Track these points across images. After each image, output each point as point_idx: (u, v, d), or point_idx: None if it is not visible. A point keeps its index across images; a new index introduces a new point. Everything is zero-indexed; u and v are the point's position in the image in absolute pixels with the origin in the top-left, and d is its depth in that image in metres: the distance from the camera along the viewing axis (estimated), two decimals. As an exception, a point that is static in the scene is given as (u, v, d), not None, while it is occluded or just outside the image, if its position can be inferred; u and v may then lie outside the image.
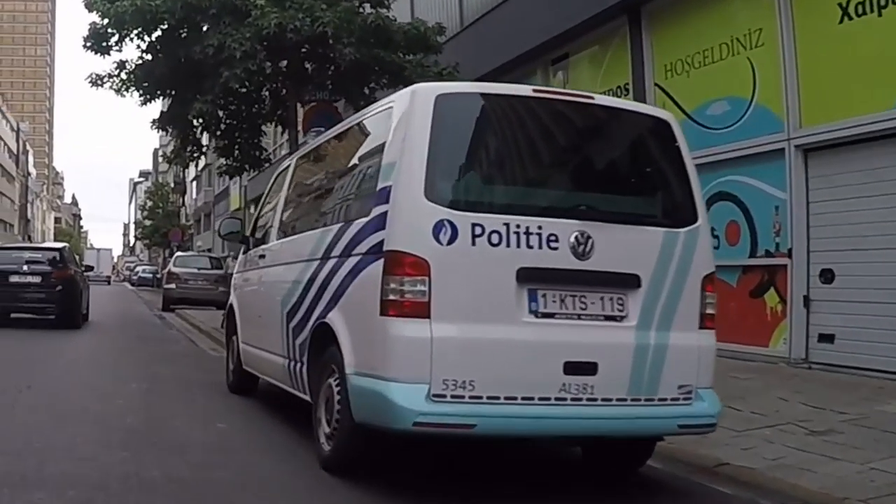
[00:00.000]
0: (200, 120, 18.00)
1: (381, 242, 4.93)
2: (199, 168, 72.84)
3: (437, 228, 4.78)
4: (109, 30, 16.46)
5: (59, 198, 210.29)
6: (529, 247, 4.89)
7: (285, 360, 6.65)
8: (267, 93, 18.12)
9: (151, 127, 18.61)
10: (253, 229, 8.76)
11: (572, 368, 4.84)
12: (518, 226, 4.89)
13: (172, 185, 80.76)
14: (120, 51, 17.26)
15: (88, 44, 16.64)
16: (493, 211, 4.93)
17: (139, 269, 72.88)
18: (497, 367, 4.76)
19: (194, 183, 78.07)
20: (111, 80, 17.43)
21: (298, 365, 6.24)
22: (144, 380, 9.84)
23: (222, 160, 19.07)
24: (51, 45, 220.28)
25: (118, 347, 14.38)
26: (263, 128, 19.04)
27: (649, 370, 5.02)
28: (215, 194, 66.29)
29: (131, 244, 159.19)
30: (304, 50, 16.74)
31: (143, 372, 10.63)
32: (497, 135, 5.39)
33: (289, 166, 8.02)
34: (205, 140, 20.52)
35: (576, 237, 4.96)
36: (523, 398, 4.77)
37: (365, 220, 5.23)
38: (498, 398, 4.73)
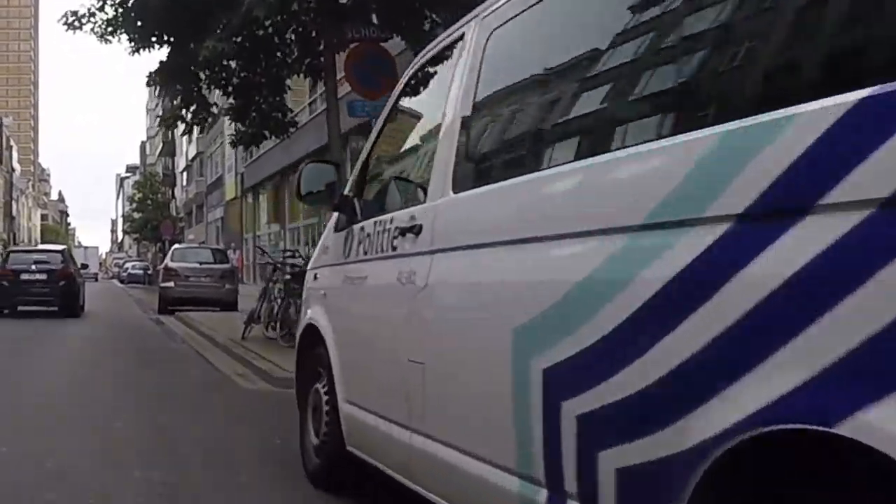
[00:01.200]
0: (208, 72, 13.95)
1: None
2: (191, 158, 69.41)
3: None
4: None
5: (45, 195, 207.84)
6: None
7: (537, 489, 2.62)
8: (293, 36, 14.03)
9: (148, 83, 14.40)
10: (360, 182, 4.75)
11: None
12: None
13: (161, 176, 76.96)
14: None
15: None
16: None
17: (128, 265, 68.97)
18: None
19: (185, 173, 74.36)
20: (92, 19, 13.40)
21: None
22: (159, 456, 5.76)
23: (233, 130, 14.97)
24: (35, 40, 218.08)
25: (112, 374, 10.42)
26: (288, 82, 14.90)
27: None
28: (207, 184, 62.53)
29: (119, 240, 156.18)
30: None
31: (154, 433, 6.57)
32: None
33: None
34: (214, 99, 16.29)
35: None
36: None
37: None
38: None
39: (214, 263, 24.05)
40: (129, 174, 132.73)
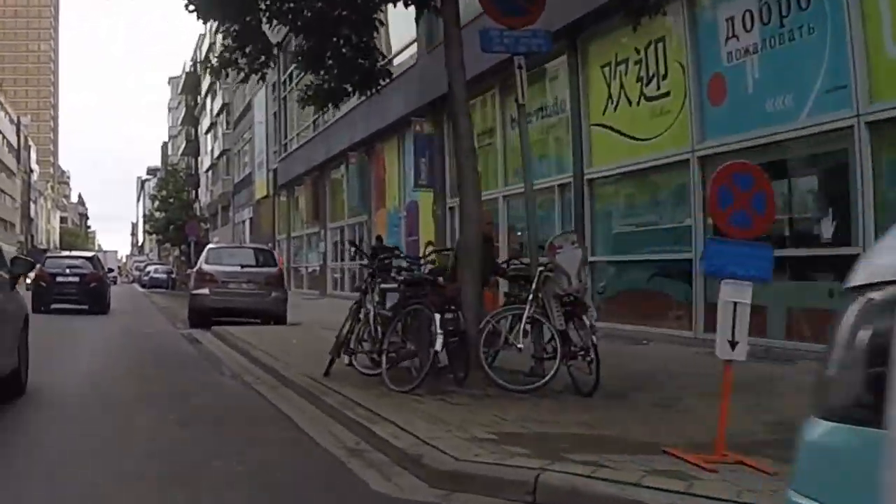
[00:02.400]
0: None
1: None
2: (216, 156, 65.75)
3: None
4: None
5: (65, 197, 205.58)
6: None
7: None
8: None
9: (187, 5, 10.08)
10: None
11: None
12: None
13: (184, 177, 73.23)
14: None
15: None
16: None
17: (150, 268, 64.95)
18: None
19: (209, 173, 70.65)
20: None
21: None
22: None
23: (303, 84, 10.73)
24: (54, 41, 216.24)
25: (135, 450, 6.24)
26: (380, 13, 10.70)
27: None
28: (235, 183, 58.73)
29: (140, 243, 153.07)
30: None
31: None
32: None
33: None
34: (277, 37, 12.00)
35: None
36: None
37: None
38: None
39: (258, 266, 19.76)
40: (150, 176, 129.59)
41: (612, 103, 14.64)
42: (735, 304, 5.32)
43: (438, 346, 7.59)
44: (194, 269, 20.43)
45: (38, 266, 20.84)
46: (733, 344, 5.35)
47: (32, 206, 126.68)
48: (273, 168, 44.10)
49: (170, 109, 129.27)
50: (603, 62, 14.82)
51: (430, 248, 10.87)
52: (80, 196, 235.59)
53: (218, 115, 66.66)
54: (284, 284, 20.29)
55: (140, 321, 21.66)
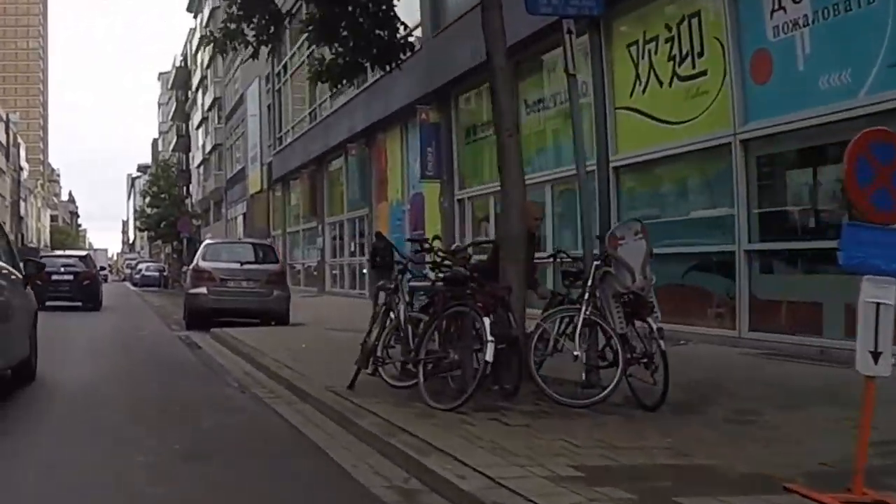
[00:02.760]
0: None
1: None
2: (208, 151, 64.64)
3: None
4: None
5: (55, 195, 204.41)
6: None
7: None
8: None
9: None
10: None
11: None
12: None
13: (176, 172, 72.16)
14: None
15: None
16: None
17: (142, 266, 63.73)
18: None
19: (201, 168, 69.47)
20: None
21: None
22: None
23: (314, 59, 9.67)
24: (43, 38, 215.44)
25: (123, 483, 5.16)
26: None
27: None
28: (227, 178, 57.61)
29: (131, 241, 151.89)
30: None
31: None
32: None
33: None
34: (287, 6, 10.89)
35: None
36: None
37: None
38: None
39: (259, 263, 18.58)
40: (140, 174, 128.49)
41: (641, 85, 13.63)
42: (878, 305, 4.27)
43: (489, 355, 6.41)
44: (190, 267, 19.26)
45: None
46: (876, 355, 4.30)
47: (23, 204, 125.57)
48: (267, 162, 43.04)
49: (160, 106, 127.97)
50: (629, 41, 13.81)
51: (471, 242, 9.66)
52: (70, 194, 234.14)
53: (209, 109, 65.59)
54: (287, 282, 19.14)
55: (133, 322, 20.56)
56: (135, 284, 58.12)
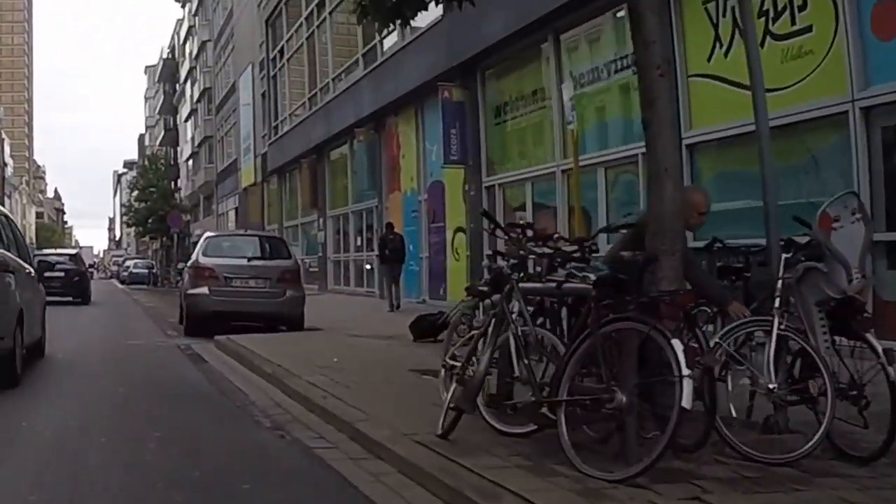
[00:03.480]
0: None
1: None
2: (198, 143, 62.60)
3: None
4: None
5: (41, 192, 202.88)
6: None
7: None
8: None
9: None
10: None
11: None
12: None
13: (165, 165, 70.19)
14: None
15: None
16: None
17: (129, 263, 61.81)
18: None
19: (190, 162, 67.38)
20: None
21: None
22: None
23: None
24: (28, 34, 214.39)
25: None
26: None
27: None
28: (218, 172, 55.60)
29: (118, 237, 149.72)
30: None
31: None
32: None
33: None
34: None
35: None
36: None
37: None
38: None
39: (268, 258, 16.37)
40: (125, 170, 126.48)
41: (721, 47, 11.59)
42: None
43: (687, 399, 4.20)
44: (188, 264, 17.06)
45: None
46: None
47: (7, 201, 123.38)
48: (262, 153, 40.98)
49: (146, 100, 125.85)
50: (706, -3, 11.79)
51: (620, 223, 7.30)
52: (56, 191, 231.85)
53: (198, 100, 63.55)
54: (301, 281, 16.91)
55: (125, 327, 18.43)
56: (123, 282, 56.35)
